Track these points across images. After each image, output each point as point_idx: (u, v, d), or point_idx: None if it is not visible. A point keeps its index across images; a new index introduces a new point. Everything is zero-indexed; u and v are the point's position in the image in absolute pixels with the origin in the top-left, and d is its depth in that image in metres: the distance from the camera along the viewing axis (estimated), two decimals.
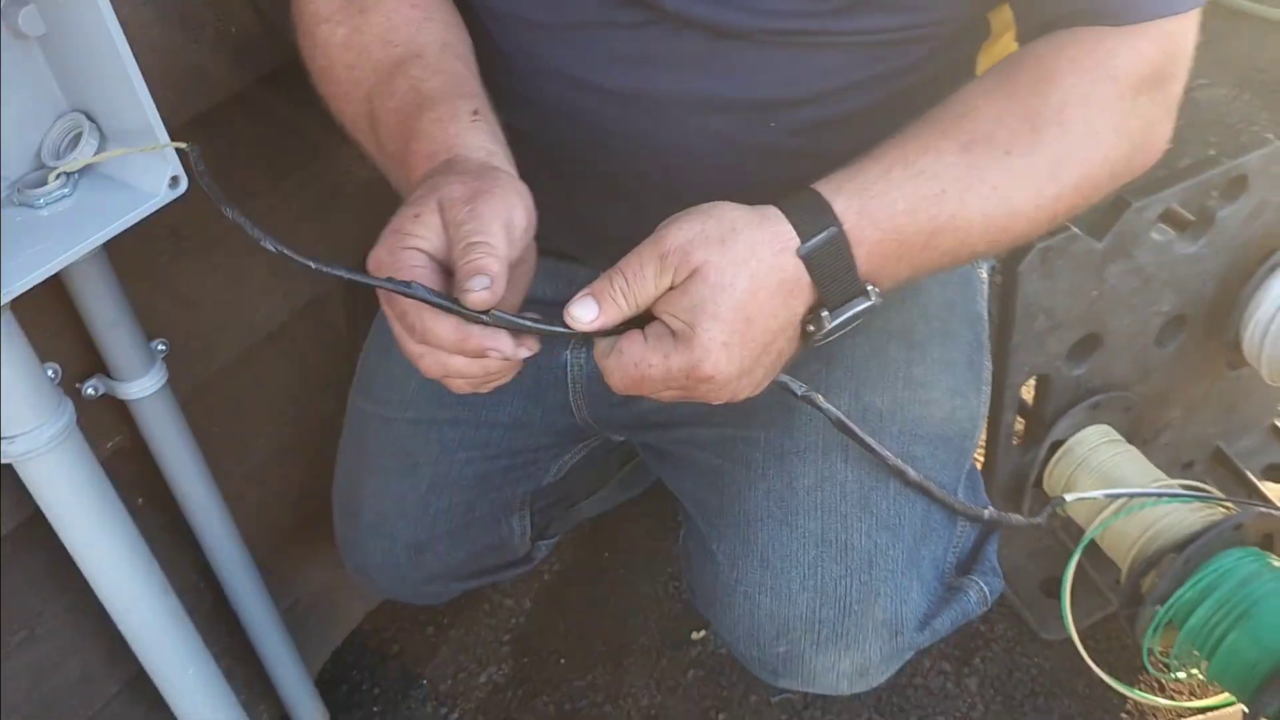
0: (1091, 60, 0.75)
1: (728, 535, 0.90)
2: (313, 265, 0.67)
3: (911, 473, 0.86)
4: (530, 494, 1.14)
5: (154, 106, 0.81)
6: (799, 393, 0.79)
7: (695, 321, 0.67)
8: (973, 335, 1.01)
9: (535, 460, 1.11)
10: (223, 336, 1.10)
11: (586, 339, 0.71)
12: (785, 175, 0.89)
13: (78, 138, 0.86)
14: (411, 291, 0.65)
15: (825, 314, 0.72)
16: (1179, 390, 1.42)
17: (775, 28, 0.84)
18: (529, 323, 0.69)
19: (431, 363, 0.70)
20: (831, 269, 0.70)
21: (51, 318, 0.94)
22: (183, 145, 0.79)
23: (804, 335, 0.74)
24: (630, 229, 0.94)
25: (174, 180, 0.85)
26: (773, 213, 0.70)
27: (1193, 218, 1.24)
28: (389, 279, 0.66)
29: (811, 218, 0.70)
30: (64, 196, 0.84)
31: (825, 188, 0.72)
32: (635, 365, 0.69)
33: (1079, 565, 1.21)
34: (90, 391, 0.98)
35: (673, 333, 0.69)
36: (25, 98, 0.83)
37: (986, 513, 0.92)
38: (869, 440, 0.85)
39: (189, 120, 0.96)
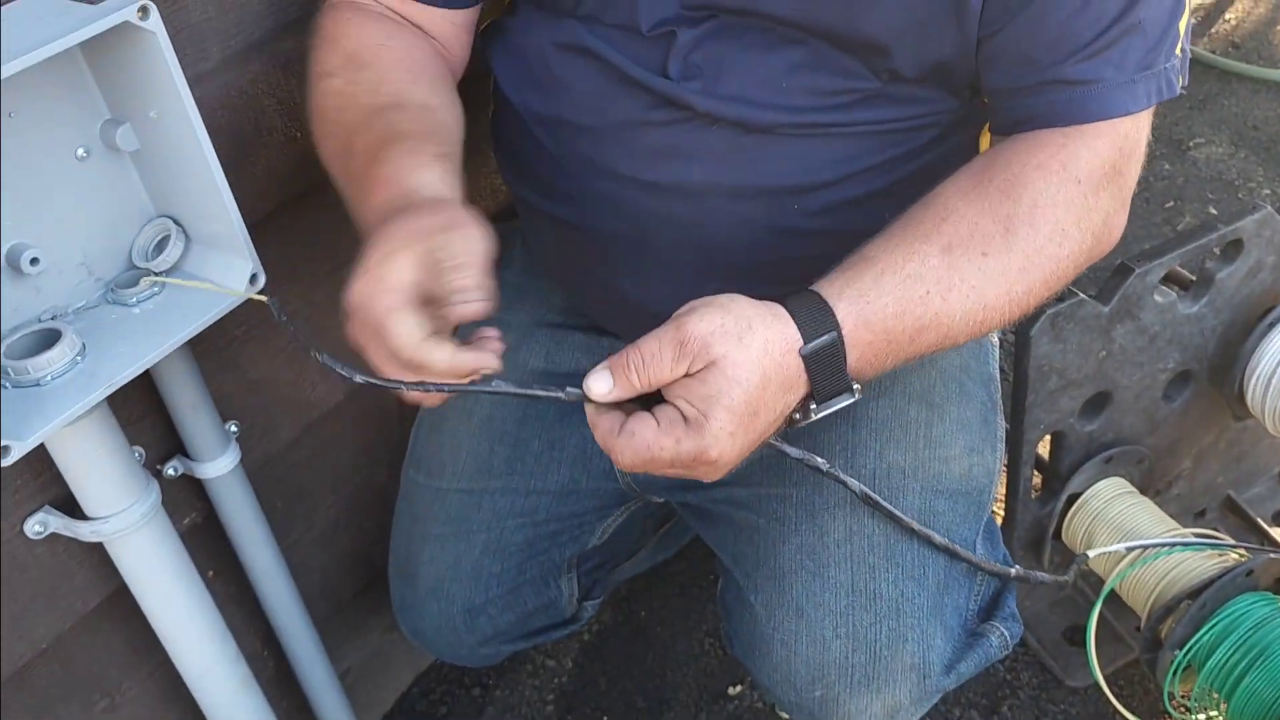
0: (1056, 164, 0.83)
1: (764, 587, 0.96)
2: (405, 387, 0.75)
3: (938, 537, 0.93)
4: (577, 557, 1.20)
5: (239, 215, 0.90)
6: (824, 469, 0.85)
7: (709, 411, 0.72)
8: (987, 396, 1.08)
9: (581, 524, 1.17)
10: (286, 414, 1.18)
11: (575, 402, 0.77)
12: (807, 252, 0.98)
13: (165, 241, 0.94)
14: (492, 389, 0.74)
15: (813, 406, 0.78)
16: (1188, 442, 1.48)
17: (796, 122, 0.92)
18: (537, 391, 0.76)
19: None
20: (826, 368, 0.77)
21: (136, 403, 1.01)
22: (263, 298, 0.86)
23: (788, 421, 0.80)
24: (667, 306, 1.02)
25: (253, 277, 0.93)
26: (781, 312, 0.76)
27: (1193, 277, 1.32)
28: (471, 382, 0.74)
29: (815, 321, 0.76)
30: (154, 295, 0.92)
31: (828, 292, 0.78)
32: (648, 447, 0.73)
33: (1099, 613, 1.26)
34: (171, 472, 1.05)
35: (685, 418, 0.73)
36: (117, 206, 0.92)
37: (1014, 571, 0.98)
38: (894, 510, 0.91)
39: (260, 219, 1.04)
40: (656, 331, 0.74)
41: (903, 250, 0.80)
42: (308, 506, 1.27)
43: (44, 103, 0.83)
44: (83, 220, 0.89)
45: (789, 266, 0.98)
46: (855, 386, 0.78)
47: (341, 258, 1.21)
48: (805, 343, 0.75)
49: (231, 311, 0.93)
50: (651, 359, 0.72)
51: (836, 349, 0.76)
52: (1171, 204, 2.38)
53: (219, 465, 1.05)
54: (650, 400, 0.76)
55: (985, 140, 1.00)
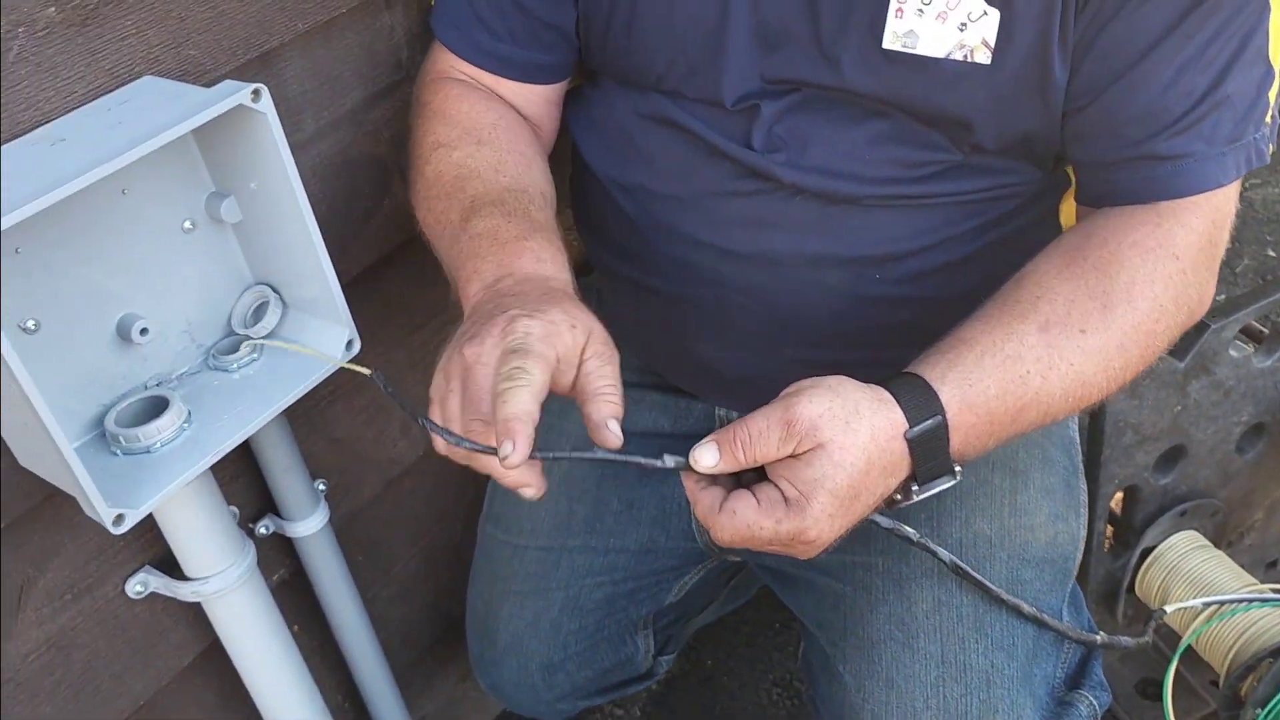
0: (1153, 242, 0.84)
1: (852, 657, 0.96)
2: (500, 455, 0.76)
3: (1026, 606, 0.92)
4: (653, 614, 1.21)
5: (337, 282, 0.92)
6: (915, 539, 0.85)
7: (812, 494, 0.73)
8: (1069, 460, 1.08)
9: (659, 583, 1.18)
10: (369, 472, 1.20)
11: (676, 471, 0.77)
12: (886, 320, 0.98)
13: (263, 307, 0.97)
14: (593, 455, 0.75)
15: (915, 488, 0.79)
16: (1261, 493, 1.47)
17: (879, 193, 0.93)
18: (639, 459, 0.76)
19: None
20: (930, 451, 0.77)
21: (230, 463, 1.04)
22: (365, 370, 0.86)
23: (888, 502, 0.80)
24: (744, 369, 1.04)
25: (349, 343, 0.95)
26: (886, 397, 0.76)
27: (1266, 330, 1.31)
28: (573, 449, 0.75)
29: (920, 405, 0.77)
30: (253, 361, 0.94)
31: (930, 375, 0.78)
32: (748, 526, 0.74)
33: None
34: (262, 530, 1.07)
35: (785, 499, 0.74)
36: (218, 274, 0.94)
37: (1100, 638, 0.97)
38: (984, 580, 0.91)
39: (349, 281, 1.07)
40: (764, 410, 0.74)
41: (1001, 330, 0.80)
42: (387, 561, 1.29)
43: (155, 180, 0.86)
44: (187, 289, 0.92)
45: (867, 334, 0.99)
46: (957, 468, 0.79)
47: (419, 319, 1.24)
48: (911, 427, 0.76)
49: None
50: (759, 437, 0.73)
51: (941, 432, 0.77)
52: (1230, 246, 2.36)
53: (309, 524, 1.07)
54: (747, 474, 0.77)
55: (1066, 208, 1.01)
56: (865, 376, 1.04)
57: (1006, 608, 0.93)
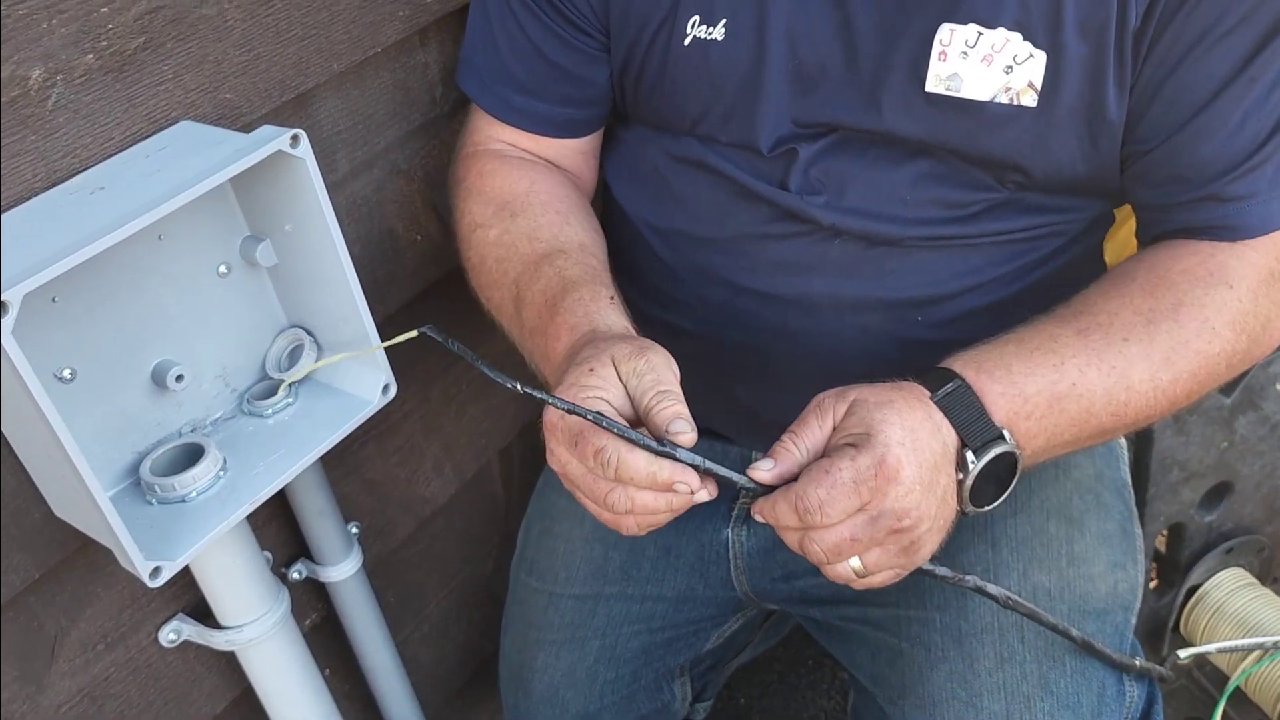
0: (1204, 270, 0.82)
1: (914, 717, 0.92)
2: (548, 398, 0.72)
3: (1076, 633, 0.88)
4: (690, 661, 1.18)
5: (373, 324, 0.90)
6: (971, 585, 0.82)
7: (871, 425, 0.71)
8: (1123, 505, 1.04)
9: (697, 631, 1.15)
10: (401, 513, 1.18)
11: (759, 493, 0.76)
12: (930, 363, 0.96)
13: (297, 350, 0.95)
14: (656, 446, 0.72)
15: (970, 454, 0.75)
16: None
17: (922, 235, 0.91)
18: (723, 471, 0.74)
19: (620, 497, 0.73)
20: (965, 413, 0.76)
21: (263, 508, 1.01)
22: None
23: (959, 490, 0.76)
24: (782, 413, 1.01)
25: (385, 387, 0.94)
26: (904, 382, 0.78)
27: None
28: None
29: (937, 378, 0.77)
30: (288, 405, 0.93)
31: (944, 362, 0.80)
32: (826, 472, 0.70)
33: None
34: (295, 575, 1.05)
35: (853, 446, 0.71)
36: (253, 318, 0.93)
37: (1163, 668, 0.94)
38: (1036, 609, 0.87)
39: (383, 319, 1.05)
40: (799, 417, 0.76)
41: (1032, 332, 0.81)
42: (419, 601, 1.27)
43: (192, 226, 0.85)
44: (221, 333, 0.91)
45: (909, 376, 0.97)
46: (1005, 434, 0.76)
47: (454, 355, 1.22)
48: (933, 393, 0.76)
49: None
50: (801, 429, 0.75)
51: (966, 393, 0.76)
52: None
53: (343, 569, 1.06)
54: None
55: (1111, 245, 0.98)
56: None
57: (1070, 662, 0.89)
